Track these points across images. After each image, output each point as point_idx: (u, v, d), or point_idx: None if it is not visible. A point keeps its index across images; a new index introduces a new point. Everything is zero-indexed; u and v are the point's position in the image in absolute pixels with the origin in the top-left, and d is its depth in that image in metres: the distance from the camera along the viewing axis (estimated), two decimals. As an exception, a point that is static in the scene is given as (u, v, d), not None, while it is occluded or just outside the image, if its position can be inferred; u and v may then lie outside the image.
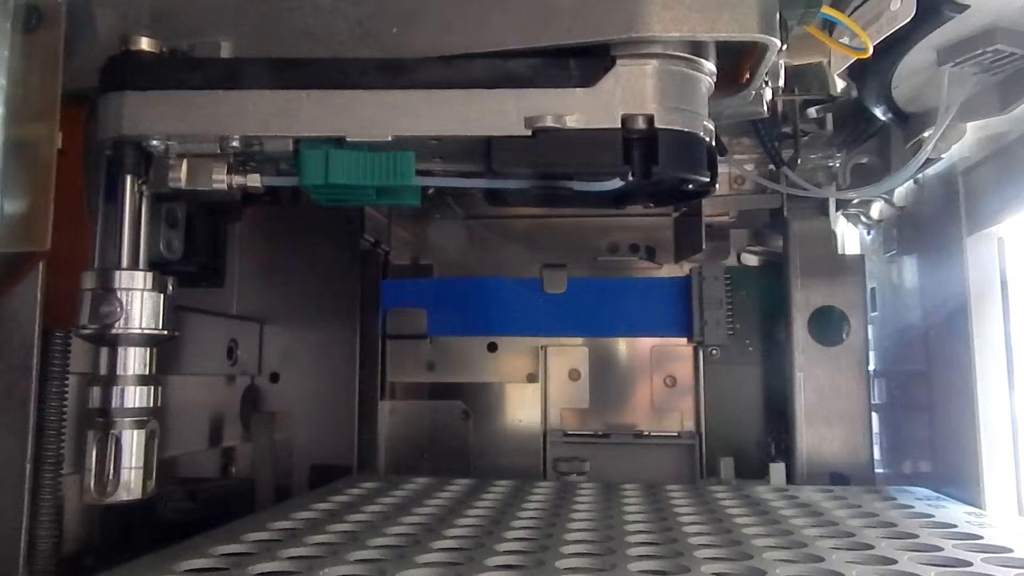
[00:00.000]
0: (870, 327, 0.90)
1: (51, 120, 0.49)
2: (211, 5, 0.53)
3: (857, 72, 0.62)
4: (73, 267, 0.51)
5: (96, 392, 0.50)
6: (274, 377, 0.93)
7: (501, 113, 0.49)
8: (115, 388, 0.50)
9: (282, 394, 0.92)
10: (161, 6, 0.53)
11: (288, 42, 0.53)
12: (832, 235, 0.90)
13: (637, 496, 0.72)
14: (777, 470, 0.83)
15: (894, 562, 0.49)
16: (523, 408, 0.99)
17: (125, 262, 0.51)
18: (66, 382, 0.52)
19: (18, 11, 0.48)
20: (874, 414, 0.88)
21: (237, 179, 0.52)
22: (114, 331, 0.49)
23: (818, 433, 0.85)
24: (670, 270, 1.02)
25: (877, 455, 0.88)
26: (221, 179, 0.52)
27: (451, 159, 0.53)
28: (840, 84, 0.78)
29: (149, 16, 0.53)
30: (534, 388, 0.99)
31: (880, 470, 0.89)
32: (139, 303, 0.50)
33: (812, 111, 0.83)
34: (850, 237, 1.01)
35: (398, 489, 0.75)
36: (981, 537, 0.56)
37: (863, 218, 0.96)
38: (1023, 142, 0.65)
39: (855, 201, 0.92)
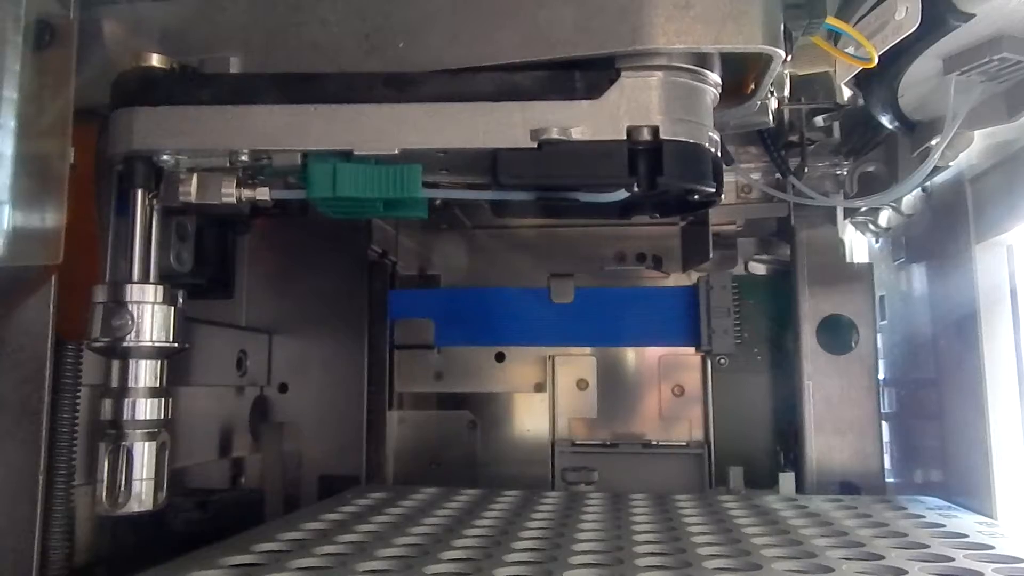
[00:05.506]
0: (879, 335, 0.89)
1: (63, 135, 0.50)
2: (220, 21, 0.54)
3: (863, 81, 0.61)
4: (85, 280, 0.51)
5: (108, 404, 0.50)
6: (283, 388, 0.93)
7: (507, 126, 0.50)
8: (126, 400, 0.50)
9: (291, 405, 0.93)
10: (171, 23, 0.54)
11: (296, 57, 0.53)
12: (840, 243, 0.90)
13: (646, 506, 0.72)
14: (786, 479, 0.83)
15: (905, 572, 0.49)
16: (531, 418, 1.00)
17: (136, 275, 0.51)
18: (78, 394, 0.53)
19: (30, 28, 0.49)
20: (884, 423, 0.87)
21: (246, 193, 0.52)
22: (125, 344, 0.50)
23: (827, 442, 0.85)
24: (677, 279, 1.02)
25: (887, 464, 0.88)
26: (230, 193, 0.52)
27: (457, 171, 0.54)
28: (846, 93, 0.77)
29: (159, 33, 0.54)
30: (542, 398, 0.99)
31: (891, 479, 0.89)
32: (150, 316, 0.50)
33: (819, 120, 0.83)
34: (858, 245, 1.01)
35: (406, 499, 0.75)
36: (992, 547, 0.56)
37: (871, 226, 0.95)
38: (1031, 150, 0.65)
39: (863, 209, 0.91)
